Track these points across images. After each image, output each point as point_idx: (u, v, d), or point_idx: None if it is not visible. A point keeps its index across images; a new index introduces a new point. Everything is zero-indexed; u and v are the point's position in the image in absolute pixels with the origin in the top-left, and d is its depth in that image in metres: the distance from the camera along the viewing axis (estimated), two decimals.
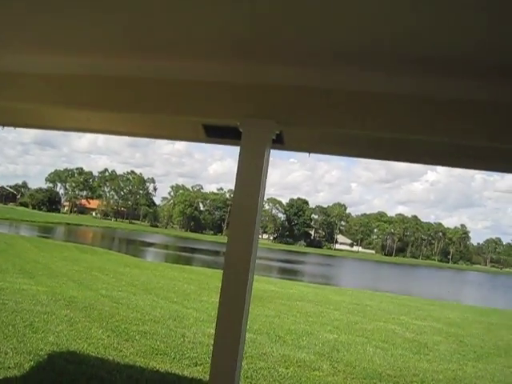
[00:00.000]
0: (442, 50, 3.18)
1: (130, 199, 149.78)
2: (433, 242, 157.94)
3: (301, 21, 3.03)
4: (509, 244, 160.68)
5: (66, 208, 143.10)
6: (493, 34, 2.89)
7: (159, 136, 6.08)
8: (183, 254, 57.55)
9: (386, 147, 4.88)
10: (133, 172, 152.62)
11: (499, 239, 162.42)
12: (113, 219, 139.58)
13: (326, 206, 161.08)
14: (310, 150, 5.35)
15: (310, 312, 17.10)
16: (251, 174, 4.02)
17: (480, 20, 2.72)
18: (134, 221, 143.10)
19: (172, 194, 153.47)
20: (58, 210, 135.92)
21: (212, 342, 9.78)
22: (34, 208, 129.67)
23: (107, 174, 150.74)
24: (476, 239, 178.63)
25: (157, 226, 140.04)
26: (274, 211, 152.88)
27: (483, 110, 3.71)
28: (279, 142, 4.38)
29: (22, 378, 6.36)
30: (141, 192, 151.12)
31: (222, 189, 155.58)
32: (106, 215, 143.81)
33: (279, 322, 14.08)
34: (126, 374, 7.07)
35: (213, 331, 11.18)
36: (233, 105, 4.10)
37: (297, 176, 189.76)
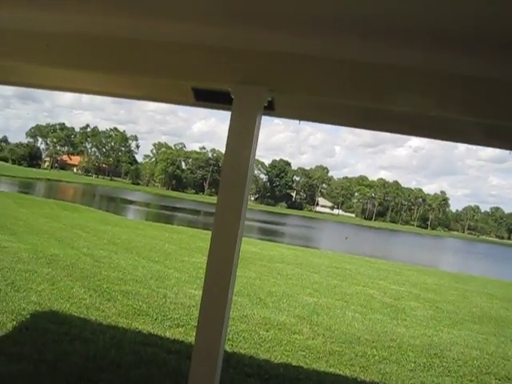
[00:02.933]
0: (437, 23, 3.13)
1: (112, 156, 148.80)
2: (412, 207, 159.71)
3: None
4: (486, 212, 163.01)
5: (46, 164, 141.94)
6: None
7: (146, 98, 5.97)
8: (164, 212, 57.61)
9: (377, 118, 4.85)
10: (116, 129, 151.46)
11: (478, 207, 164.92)
12: (94, 176, 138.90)
13: (308, 168, 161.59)
14: (300, 118, 5.31)
15: (290, 274, 17.25)
16: (242, 140, 3.98)
17: None
18: (115, 178, 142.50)
19: (154, 151, 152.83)
20: (38, 166, 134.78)
21: (193, 304, 9.86)
22: (14, 163, 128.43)
23: (89, 129, 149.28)
24: (455, 206, 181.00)
25: (138, 184, 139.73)
26: (256, 172, 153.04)
27: (471, 84, 3.69)
28: (270, 109, 4.33)
29: (5, 337, 6.36)
30: (123, 149, 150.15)
31: (204, 148, 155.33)
32: (87, 172, 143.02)
33: (260, 283, 14.20)
34: (109, 335, 7.08)
35: (194, 292, 11.28)
36: (225, 70, 4.03)
37: (281, 137, 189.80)
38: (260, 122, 4.08)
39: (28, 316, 7.36)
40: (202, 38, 3.88)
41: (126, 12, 3.81)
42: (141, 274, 12.49)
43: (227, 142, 3.98)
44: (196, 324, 7.83)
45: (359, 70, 3.87)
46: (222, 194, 4.02)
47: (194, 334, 7.47)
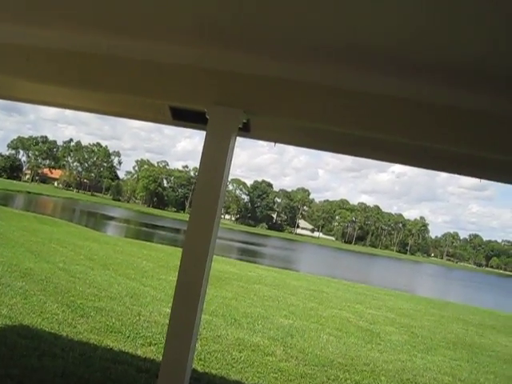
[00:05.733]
0: (418, 54, 3.21)
1: (94, 171, 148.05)
2: (392, 232, 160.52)
3: (276, 11, 3.02)
4: (465, 239, 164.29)
5: (27, 176, 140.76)
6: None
7: (124, 115, 6.00)
8: (144, 229, 57.29)
9: (354, 143, 4.91)
10: (98, 144, 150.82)
11: (457, 234, 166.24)
12: (75, 190, 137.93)
13: (290, 190, 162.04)
14: (276, 140, 5.37)
15: (267, 296, 17.22)
16: (216, 161, 4.02)
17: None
18: (96, 193, 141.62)
19: (137, 168, 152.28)
20: (19, 178, 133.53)
21: (167, 322, 9.81)
22: None
23: (72, 144, 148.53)
24: (435, 232, 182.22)
25: (119, 200, 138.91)
26: (237, 192, 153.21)
27: (456, 115, 3.76)
28: (245, 130, 4.38)
29: None
30: (105, 165, 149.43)
31: (187, 166, 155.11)
32: (68, 186, 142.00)
33: (236, 304, 14.15)
34: (79, 352, 7.01)
35: (169, 310, 11.19)
36: (201, 90, 4.08)
37: (265, 159, 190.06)
38: (234, 143, 4.12)
39: None
40: (179, 57, 3.93)
41: (103, 30, 3.86)
42: (116, 290, 12.39)
43: (201, 161, 4.01)
44: None
45: (337, 96, 3.93)
46: (195, 213, 4.05)
47: None
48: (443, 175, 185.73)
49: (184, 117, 4.65)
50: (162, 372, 3.95)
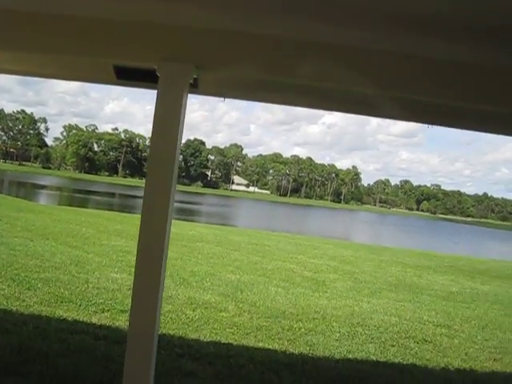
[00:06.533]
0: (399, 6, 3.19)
1: (20, 140, 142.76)
2: (326, 182, 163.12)
3: None
4: (397, 185, 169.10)
5: None
6: None
7: (66, 77, 5.76)
8: (78, 195, 56.08)
9: (304, 93, 4.88)
10: (23, 111, 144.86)
11: (388, 180, 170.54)
12: (1, 161, 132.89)
13: (223, 146, 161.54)
14: (223, 95, 5.29)
15: (210, 253, 17.27)
16: (169, 118, 3.92)
17: None
18: (24, 163, 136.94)
19: (65, 134, 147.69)
20: None
21: (117, 287, 9.68)
22: None
23: None
24: (367, 180, 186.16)
25: (49, 168, 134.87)
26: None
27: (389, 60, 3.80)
28: (194, 87, 4.27)
29: None
30: (31, 132, 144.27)
31: (117, 129, 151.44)
32: None
33: (182, 264, 14.13)
34: (33, 325, 6.83)
35: (116, 276, 11.08)
36: (150, 47, 3.93)
37: (195, 116, 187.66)
38: (187, 99, 4.03)
39: None
40: (124, 13, 3.75)
41: None
42: (59, 260, 12.11)
43: (154, 120, 3.90)
44: (122, 308, 7.69)
45: (281, 46, 3.87)
46: (151, 175, 3.94)
47: (121, 318, 7.38)
48: (373, 124, 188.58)
49: (130, 76, 4.48)
50: (129, 339, 3.89)
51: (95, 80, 5.61)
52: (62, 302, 8.31)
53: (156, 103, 3.90)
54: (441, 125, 5.49)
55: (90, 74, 5.15)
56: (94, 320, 7.59)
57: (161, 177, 3.89)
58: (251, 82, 4.87)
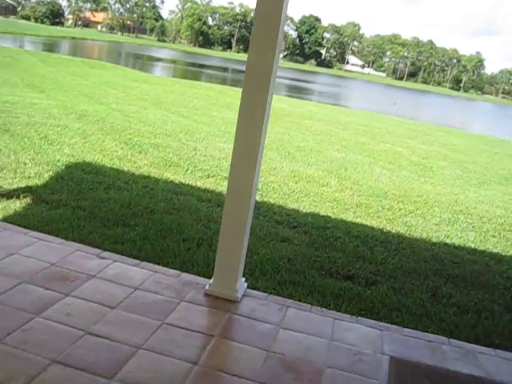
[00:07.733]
0: None
1: (136, 12, 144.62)
2: (446, 68, 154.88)
3: None
4: None
5: (69, 21, 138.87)
6: None
7: None
8: (191, 69, 56.83)
9: None
10: None
11: None
12: (119, 33, 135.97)
13: (339, 24, 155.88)
14: None
15: (318, 131, 17.27)
16: None
17: None
18: (140, 35, 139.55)
19: (180, 7, 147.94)
20: (61, 24, 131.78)
21: (223, 156, 10.02)
22: (36, 21, 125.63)
23: None
24: (491, 69, 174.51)
25: (164, 41, 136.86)
26: (284, 28, 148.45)
27: None
28: None
29: (43, 186, 6.53)
30: (147, 5, 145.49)
31: (232, 3, 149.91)
32: (111, 29, 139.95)
33: (289, 138, 14.25)
34: (142, 184, 7.23)
35: (224, 145, 11.43)
36: None
37: None
38: None
39: (63, 167, 7.51)
40: None
41: None
42: (170, 128, 12.56)
43: None
44: (226, 175, 7.97)
45: None
46: (253, 49, 3.86)
47: (224, 184, 7.65)
48: (506, 6, 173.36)
49: None
50: (228, 198, 4.04)
51: None
52: (170, 166, 8.70)
53: None
54: None
55: None
56: (199, 184, 7.91)
57: (263, 53, 3.78)
58: None
